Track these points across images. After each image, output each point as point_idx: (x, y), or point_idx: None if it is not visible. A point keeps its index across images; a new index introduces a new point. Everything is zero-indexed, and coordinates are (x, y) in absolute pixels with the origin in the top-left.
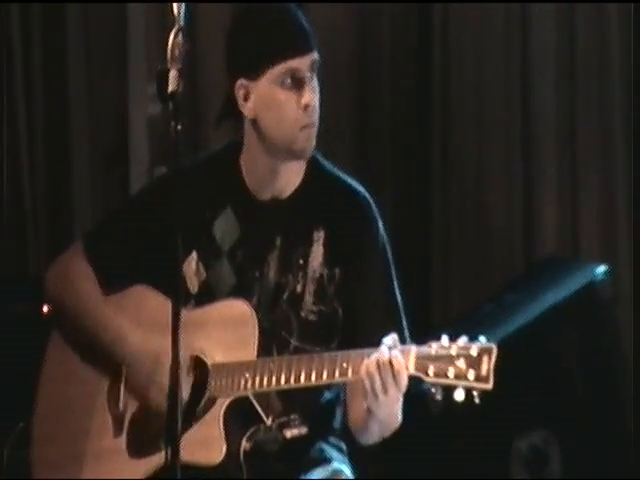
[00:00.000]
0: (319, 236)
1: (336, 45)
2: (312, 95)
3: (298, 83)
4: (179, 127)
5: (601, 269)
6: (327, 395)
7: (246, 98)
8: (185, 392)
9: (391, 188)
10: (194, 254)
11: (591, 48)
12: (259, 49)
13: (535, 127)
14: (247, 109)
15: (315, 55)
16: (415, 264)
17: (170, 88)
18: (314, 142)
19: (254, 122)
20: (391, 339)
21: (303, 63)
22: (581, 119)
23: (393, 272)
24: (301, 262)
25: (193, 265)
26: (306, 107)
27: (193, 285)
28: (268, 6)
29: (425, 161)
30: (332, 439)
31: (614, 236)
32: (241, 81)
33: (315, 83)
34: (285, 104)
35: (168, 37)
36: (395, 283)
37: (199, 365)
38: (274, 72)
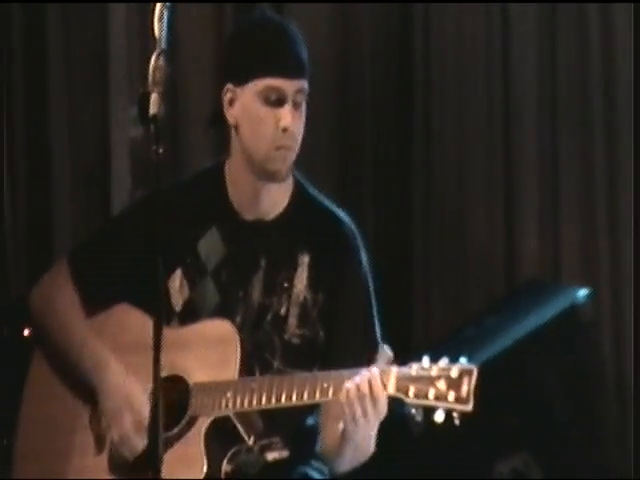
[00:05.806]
0: (303, 260)
1: (317, 47)
2: (293, 120)
3: (280, 103)
4: (160, 150)
5: (582, 292)
6: (309, 421)
7: (231, 103)
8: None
9: (372, 208)
10: (178, 271)
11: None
12: (249, 56)
13: (517, 148)
14: (230, 114)
15: (303, 84)
16: (396, 286)
17: (151, 111)
18: (289, 165)
19: (236, 130)
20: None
21: (287, 86)
22: (563, 140)
23: (374, 302)
24: (285, 285)
25: (177, 283)
26: (284, 130)
27: (177, 303)
28: (273, 23)
29: (406, 180)
30: (314, 462)
31: (595, 259)
32: (229, 85)
33: (302, 111)
34: (264, 121)
35: (150, 60)
36: (375, 312)
37: (180, 384)
38: (258, 85)
